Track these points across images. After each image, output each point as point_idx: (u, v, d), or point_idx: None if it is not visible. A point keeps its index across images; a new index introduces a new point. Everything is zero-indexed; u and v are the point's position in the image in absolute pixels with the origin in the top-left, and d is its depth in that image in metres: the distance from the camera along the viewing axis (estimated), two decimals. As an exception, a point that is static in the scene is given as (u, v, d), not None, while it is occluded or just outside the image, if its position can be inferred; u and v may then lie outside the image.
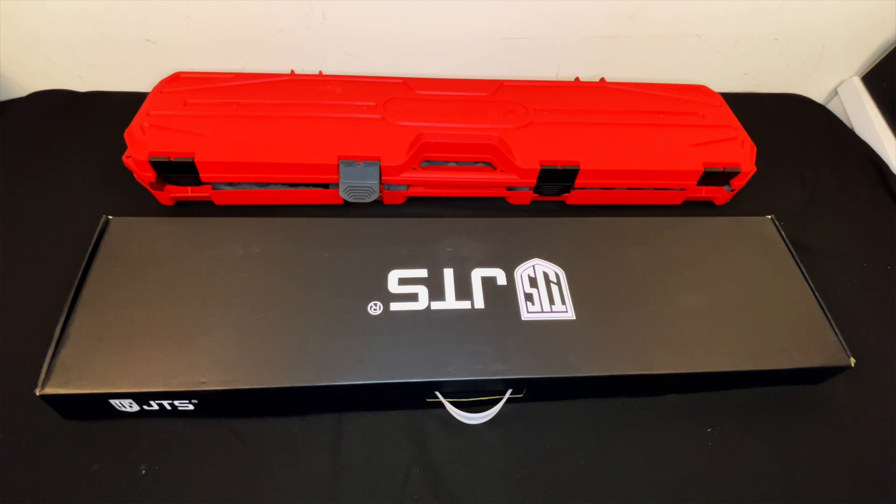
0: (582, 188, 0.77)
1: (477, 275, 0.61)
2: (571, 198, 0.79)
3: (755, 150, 0.79)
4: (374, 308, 0.58)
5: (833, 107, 1.06)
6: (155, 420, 0.55)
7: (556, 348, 0.56)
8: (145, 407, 0.53)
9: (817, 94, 1.07)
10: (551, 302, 0.60)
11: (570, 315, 0.59)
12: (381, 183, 0.71)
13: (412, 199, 0.78)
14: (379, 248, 0.63)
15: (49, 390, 0.49)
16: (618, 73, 0.92)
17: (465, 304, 0.59)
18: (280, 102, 0.75)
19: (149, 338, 0.53)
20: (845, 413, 0.62)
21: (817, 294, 0.64)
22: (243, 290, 0.58)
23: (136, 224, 0.62)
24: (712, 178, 0.77)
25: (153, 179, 0.69)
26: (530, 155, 0.73)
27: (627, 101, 0.84)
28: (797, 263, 0.67)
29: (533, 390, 0.58)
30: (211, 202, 0.73)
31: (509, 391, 0.57)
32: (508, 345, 0.56)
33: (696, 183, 0.77)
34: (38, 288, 0.63)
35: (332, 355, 0.54)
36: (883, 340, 0.69)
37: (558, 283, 0.62)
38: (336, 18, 0.83)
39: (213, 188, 0.72)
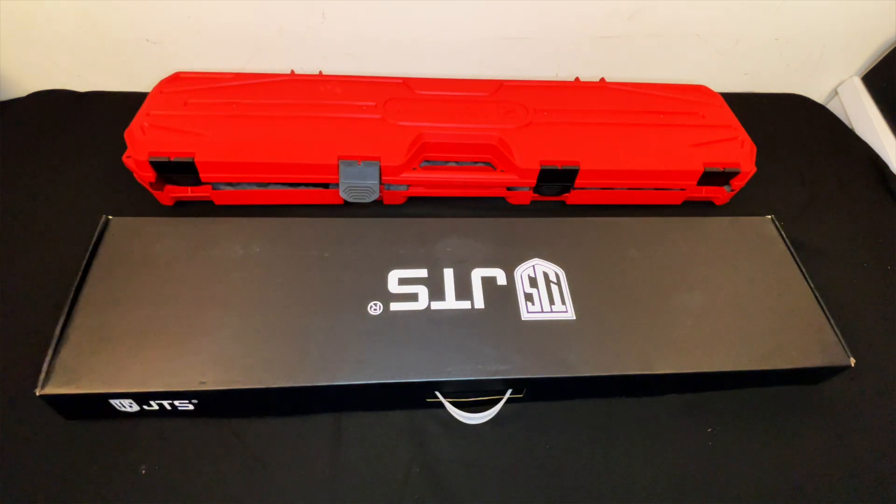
0: (582, 188, 0.77)
1: (477, 275, 0.61)
2: (571, 198, 0.79)
3: (755, 150, 0.79)
4: (374, 308, 0.58)
5: (833, 107, 1.06)
6: (155, 420, 0.55)
7: (556, 348, 0.56)
8: (145, 407, 0.53)
9: (817, 94, 1.07)
10: (551, 302, 0.60)
11: (570, 315, 0.59)
12: (381, 183, 0.71)
13: (412, 199, 0.78)
14: (379, 248, 0.63)
15: (49, 390, 0.49)
16: (618, 73, 0.92)
17: (465, 304, 0.59)
18: (280, 102, 0.75)
19: (149, 338, 0.53)
20: (845, 413, 0.62)
21: (817, 294, 0.64)
22: (243, 290, 0.58)
23: (136, 224, 0.62)
24: (712, 178, 0.77)
25: (153, 179, 0.69)
26: (530, 155, 0.73)
27: (627, 102, 0.84)
28: (797, 263, 0.67)
29: (533, 390, 0.58)
30: (211, 202, 0.73)
31: (509, 391, 0.57)
32: (508, 345, 0.56)
33: (695, 183, 0.77)
34: (38, 288, 0.63)
35: (332, 355, 0.54)
36: (883, 340, 0.69)
37: (558, 283, 0.62)
38: (336, 18, 0.83)
39: (213, 188, 0.72)
